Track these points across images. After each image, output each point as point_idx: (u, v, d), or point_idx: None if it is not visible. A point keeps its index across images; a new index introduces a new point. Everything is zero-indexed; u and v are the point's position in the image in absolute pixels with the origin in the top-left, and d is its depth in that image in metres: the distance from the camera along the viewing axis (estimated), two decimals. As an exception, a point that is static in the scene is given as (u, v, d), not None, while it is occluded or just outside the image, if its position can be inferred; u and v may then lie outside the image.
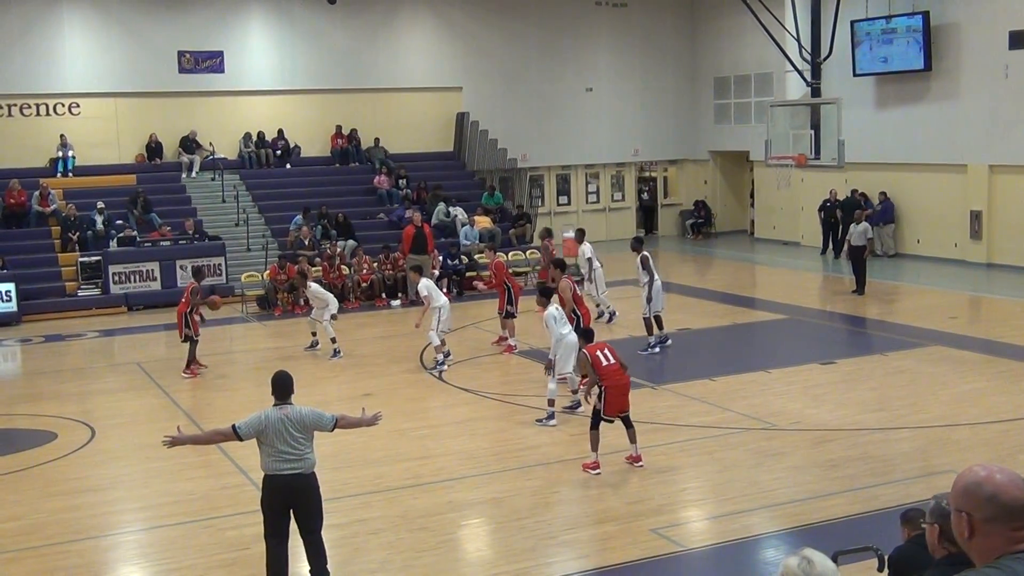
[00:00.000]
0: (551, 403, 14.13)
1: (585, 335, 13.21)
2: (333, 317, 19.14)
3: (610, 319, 20.75)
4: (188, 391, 17.02)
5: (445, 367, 17.41)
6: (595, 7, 34.84)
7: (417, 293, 18.89)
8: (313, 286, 19.94)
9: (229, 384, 17.87)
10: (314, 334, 19.64)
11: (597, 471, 11.98)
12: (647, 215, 37.03)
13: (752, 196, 35.91)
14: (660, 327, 18.49)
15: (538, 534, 10.38)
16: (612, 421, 12.11)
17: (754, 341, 20.45)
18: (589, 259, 21.38)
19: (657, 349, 18.29)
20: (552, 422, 14.05)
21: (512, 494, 11.50)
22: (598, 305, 20.78)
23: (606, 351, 12.29)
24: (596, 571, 9.55)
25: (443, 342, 17.72)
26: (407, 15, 32.57)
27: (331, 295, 19.87)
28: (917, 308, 22.38)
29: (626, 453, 12.33)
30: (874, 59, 28.82)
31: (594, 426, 12.06)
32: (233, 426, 8.81)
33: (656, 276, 18.33)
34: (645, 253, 18.58)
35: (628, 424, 12.20)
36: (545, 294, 15.16)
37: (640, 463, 12.15)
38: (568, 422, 14.31)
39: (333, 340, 18.92)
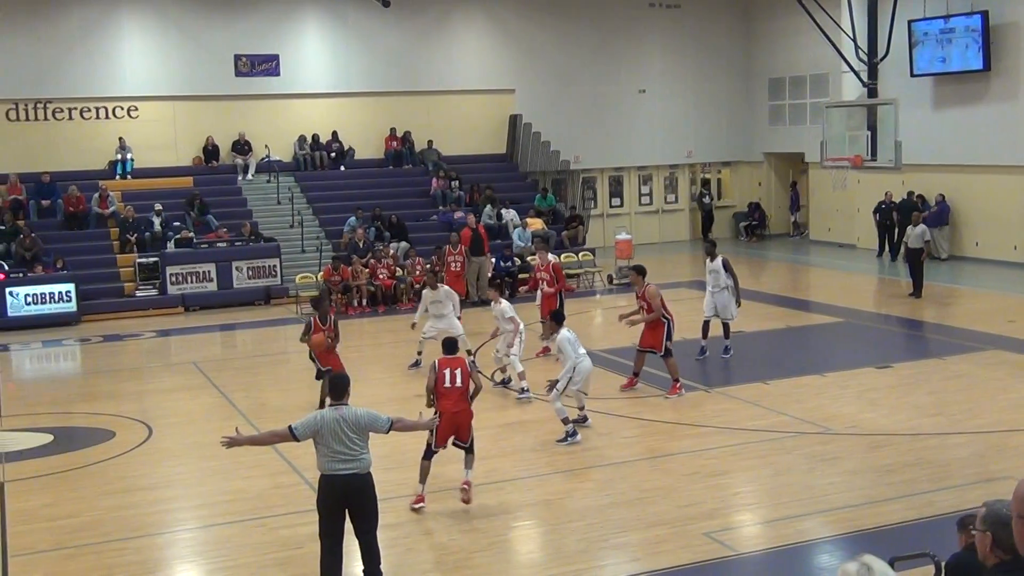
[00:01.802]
0: (566, 421, 13.52)
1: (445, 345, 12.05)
2: (457, 317, 17.73)
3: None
4: (243, 391, 17.19)
5: (528, 395, 15.86)
6: (648, 8, 34.73)
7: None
8: (443, 288, 18.10)
9: (283, 384, 18.02)
10: (420, 353, 18.00)
11: (420, 505, 11.19)
12: (707, 219, 35.84)
13: (793, 198, 35.59)
14: (704, 335, 18.08)
15: (590, 537, 10.36)
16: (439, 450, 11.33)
17: (809, 344, 20.25)
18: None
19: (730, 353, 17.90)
20: (576, 438, 13.41)
21: (563, 496, 11.49)
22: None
23: (457, 371, 11.37)
24: (648, 574, 9.51)
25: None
26: (460, 18, 32.67)
27: (457, 296, 18.31)
28: (975, 311, 22.06)
29: (669, 455, 12.27)
30: (932, 59, 28.45)
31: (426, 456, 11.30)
32: (290, 427, 8.89)
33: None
34: (724, 257, 18.05)
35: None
36: (556, 319, 14.17)
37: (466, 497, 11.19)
38: (621, 425, 14.27)
39: (470, 352, 17.07)
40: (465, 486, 11.18)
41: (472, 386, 11.42)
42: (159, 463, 13.53)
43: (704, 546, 10.01)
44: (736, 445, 13.16)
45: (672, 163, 35.94)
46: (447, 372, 11.31)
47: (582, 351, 13.76)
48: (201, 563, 10.35)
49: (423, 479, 11.22)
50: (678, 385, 15.73)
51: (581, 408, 14.09)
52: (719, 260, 17.84)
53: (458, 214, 28.69)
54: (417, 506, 11.16)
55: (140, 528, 11.15)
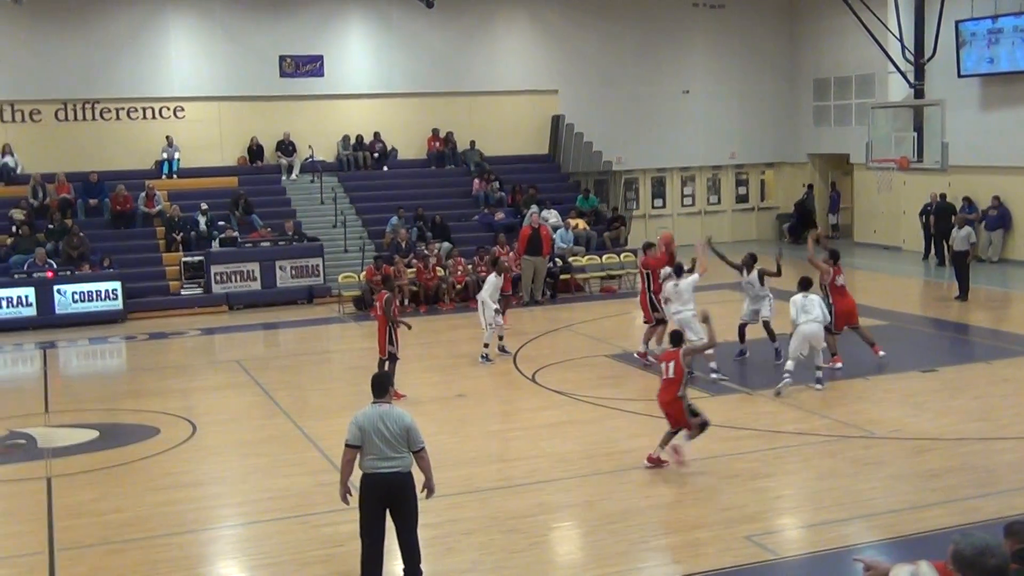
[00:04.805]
0: (789, 374, 15.40)
1: (671, 337, 12.85)
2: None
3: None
4: (286, 390, 17.31)
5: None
6: (692, 8, 34.59)
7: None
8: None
9: (325, 383, 18.15)
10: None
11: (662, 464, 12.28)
12: (806, 222, 34.46)
13: (833, 199, 35.24)
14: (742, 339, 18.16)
15: (630, 539, 10.34)
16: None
17: (853, 347, 20.03)
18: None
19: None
20: (787, 381, 15.35)
21: (604, 498, 11.47)
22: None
23: (670, 364, 12.18)
24: (688, 577, 9.49)
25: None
26: (504, 18, 32.71)
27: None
28: (1023, 315, 21.76)
29: (710, 457, 12.20)
30: (980, 60, 28.13)
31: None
32: (345, 444, 8.97)
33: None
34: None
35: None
36: (803, 285, 15.91)
37: (655, 465, 12.29)
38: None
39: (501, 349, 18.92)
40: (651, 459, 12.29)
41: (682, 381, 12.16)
42: (203, 460, 13.67)
43: (745, 549, 9.96)
44: (778, 448, 13.08)
45: (715, 164, 35.79)
46: (663, 364, 12.34)
47: (803, 318, 15.45)
48: (243, 560, 10.44)
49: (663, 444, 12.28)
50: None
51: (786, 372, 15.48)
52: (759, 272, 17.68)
53: (498, 215, 28.71)
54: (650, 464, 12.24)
55: (184, 524, 11.27)
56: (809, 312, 15.58)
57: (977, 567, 3.97)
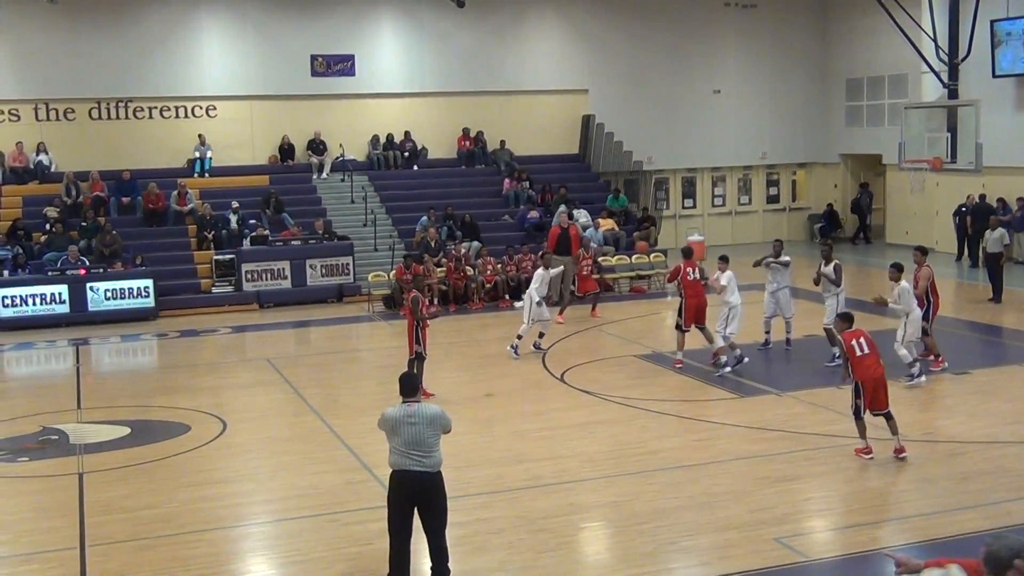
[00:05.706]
0: (911, 364, 15.87)
1: (844, 318, 13.09)
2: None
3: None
4: (316, 388, 17.38)
5: (728, 369, 17.01)
6: (724, 8, 34.47)
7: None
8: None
9: (355, 381, 18.21)
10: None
11: (869, 456, 12.36)
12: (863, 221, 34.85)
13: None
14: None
15: (658, 539, 10.31)
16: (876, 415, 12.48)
17: (883, 349, 19.82)
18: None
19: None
20: (922, 379, 15.80)
21: (632, 498, 11.45)
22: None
23: (862, 340, 12.39)
24: (717, 579, 9.45)
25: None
26: (534, 18, 32.70)
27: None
28: (1058, 318, 21.55)
29: (740, 459, 12.15)
30: (1015, 60, 27.85)
31: (858, 417, 12.45)
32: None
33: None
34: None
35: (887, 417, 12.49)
36: (898, 268, 16.12)
37: (903, 455, 12.34)
38: (691, 428, 14.20)
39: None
40: (898, 452, 12.34)
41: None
42: (233, 457, 13.74)
43: (774, 551, 9.91)
44: (808, 450, 13.01)
45: (746, 164, 35.64)
46: (853, 343, 12.38)
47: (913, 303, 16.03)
48: (273, 556, 10.48)
49: (862, 434, 12.45)
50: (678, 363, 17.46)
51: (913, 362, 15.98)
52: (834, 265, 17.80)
53: (532, 213, 28.71)
54: (867, 456, 12.37)
55: (214, 521, 11.34)
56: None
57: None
